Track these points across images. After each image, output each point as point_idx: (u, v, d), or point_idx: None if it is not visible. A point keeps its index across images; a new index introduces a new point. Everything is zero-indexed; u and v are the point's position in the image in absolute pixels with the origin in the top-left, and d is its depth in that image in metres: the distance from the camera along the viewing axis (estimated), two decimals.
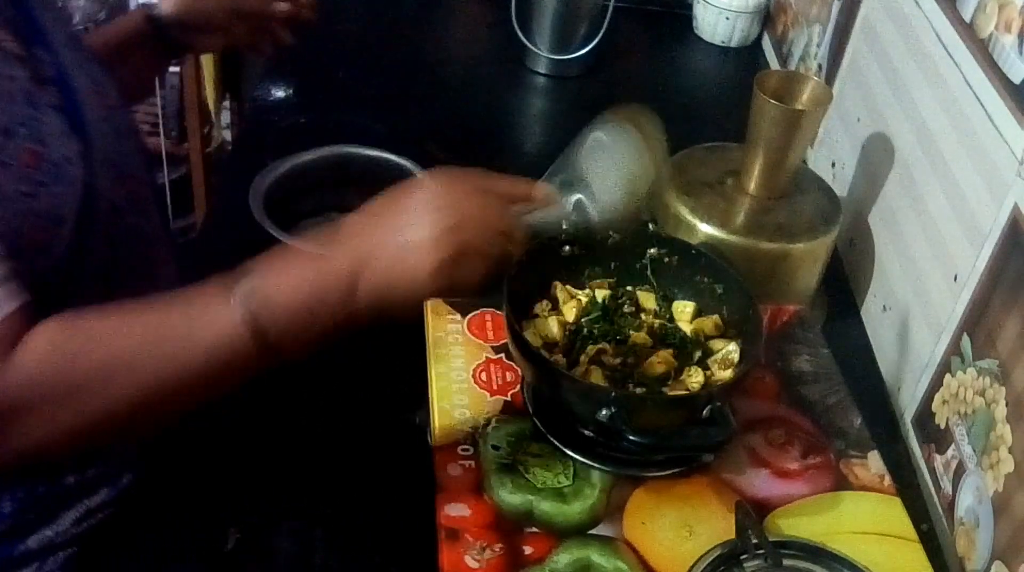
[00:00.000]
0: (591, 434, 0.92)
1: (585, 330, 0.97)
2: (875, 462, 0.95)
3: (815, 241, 1.14)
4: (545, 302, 1.00)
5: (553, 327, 0.96)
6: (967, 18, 1.05)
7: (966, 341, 0.99)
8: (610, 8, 1.65)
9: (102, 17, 2.09)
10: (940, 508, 1.00)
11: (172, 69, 2.00)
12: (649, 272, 1.03)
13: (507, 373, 0.98)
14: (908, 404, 1.11)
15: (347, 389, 1.05)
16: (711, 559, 0.84)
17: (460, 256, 0.76)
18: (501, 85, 1.69)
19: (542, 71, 1.70)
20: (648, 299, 1.01)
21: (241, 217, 1.14)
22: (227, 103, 2.24)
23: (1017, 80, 0.94)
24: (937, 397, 1.04)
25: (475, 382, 0.97)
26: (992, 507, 0.91)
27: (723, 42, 1.84)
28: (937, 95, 1.11)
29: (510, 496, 0.87)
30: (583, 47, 1.67)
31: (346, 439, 1.00)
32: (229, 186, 1.27)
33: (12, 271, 0.75)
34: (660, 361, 0.93)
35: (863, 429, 0.98)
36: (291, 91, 1.57)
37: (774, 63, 1.77)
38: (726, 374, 0.93)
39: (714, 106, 1.71)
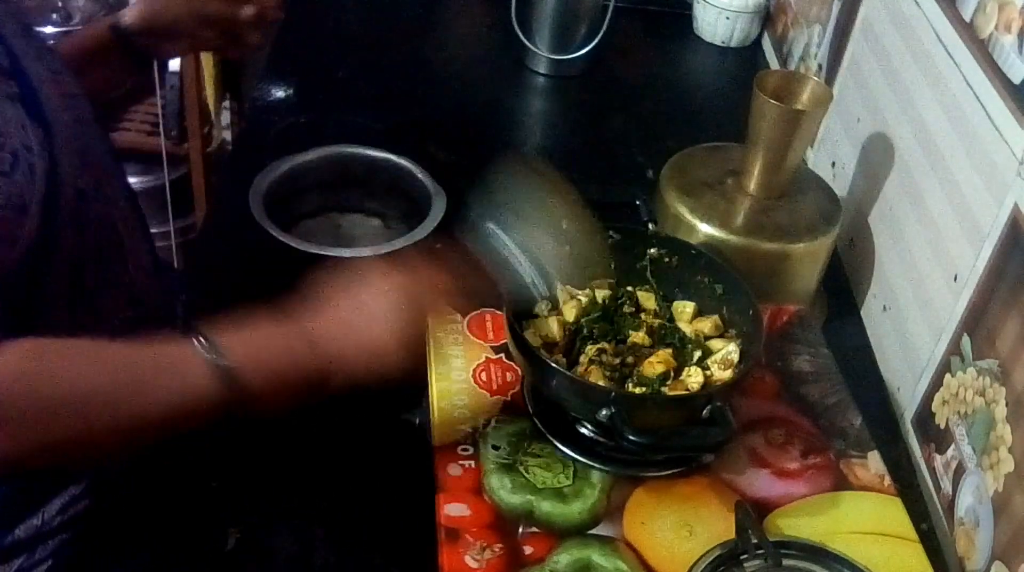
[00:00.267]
0: (591, 434, 0.92)
1: (585, 330, 0.97)
2: (875, 462, 0.95)
3: (815, 241, 1.14)
4: (545, 302, 1.00)
5: (553, 327, 0.96)
6: (967, 18, 1.05)
7: (966, 341, 0.99)
8: (610, 8, 1.65)
9: (102, 17, 2.09)
10: (940, 508, 1.00)
11: (172, 69, 1.99)
12: (649, 272, 1.03)
13: (507, 373, 0.98)
14: (908, 404, 1.11)
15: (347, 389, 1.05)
16: (711, 559, 0.84)
17: (422, 331, 0.80)
18: (501, 85, 1.69)
19: (542, 71, 1.70)
20: (648, 299, 1.01)
21: (241, 217, 1.14)
22: (227, 103, 2.23)
23: (1017, 80, 0.94)
24: (937, 397, 1.04)
25: (475, 382, 0.97)
26: (992, 507, 0.91)
27: (723, 42, 1.84)
28: (937, 95, 1.11)
29: (510, 496, 0.87)
30: (583, 47, 1.67)
31: (346, 439, 1.00)
32: (229, 186, 1.27)
33: None
34: (660, 361, 0.93)
35: (863, 429, 0.98)
36: (291, 91, 1.57)
37: (774, 63, 1.77)
38: (726, 374, 0.93)
39: (714, 106, 1.71)
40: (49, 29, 2.06)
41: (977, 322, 0.98)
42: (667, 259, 1.03)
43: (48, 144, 0.84)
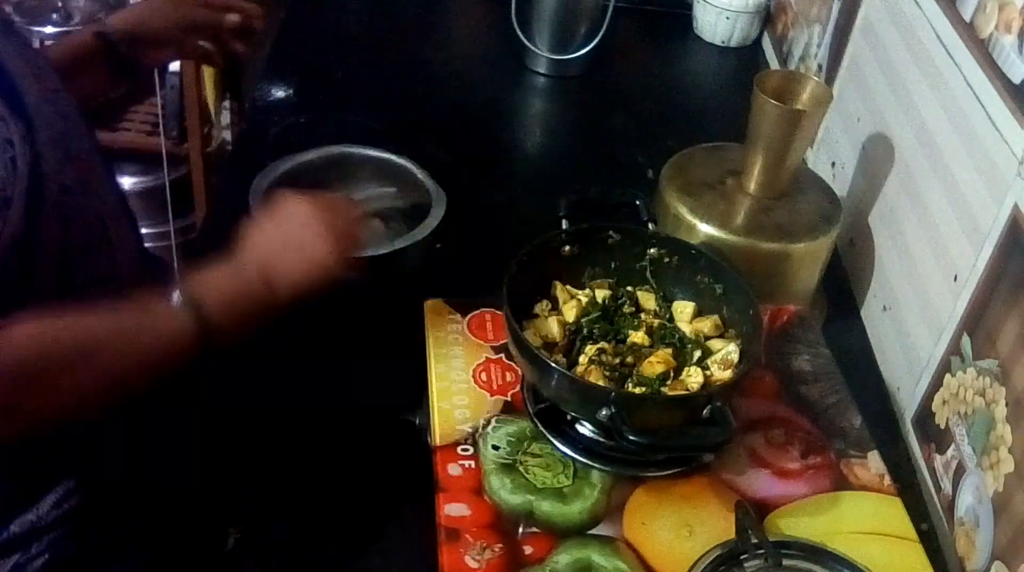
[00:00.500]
0: (591, 434, 0.92)
1: (585, 330, 0.97)
2: (875, 462, 0.95)
3: (815, 241, 1.14)
4: (545, 302, 1.00)
5: (553, 327, 0.96)
6: (967, 18, 1.05)
7: (966, 341, 0.99)
8: (610, 8, 1.65)
9: (102, 17, 2.09)
10: (940, 508, 1.00)
11: (172, 69, 2.00)
12: (649, 272, 1.03)
13: (507, 373, 0.98)
14: (908, 404, 1.11)
15: (347, 389, 1.05)
16: (711, 559, 0.84)
17: (336, 236, 0.94)
18: (501, 85, 1.69)
19: (542, 71, 1.70)
20: (648, 299, 1.01)
21: (241, 217, 1.14)
22: (227, 103, 2.23)
23: (1017, 80, 0.94)
24: (937, 397, 1.04)
25: (475, 382, 0.97)
26: (992, 507, 0.91)
27: (723, 42, 1.84)
28: (937, 95, 1.11)
29: (510, 496, 0.87)
30: (583, 47, 1.67)
31: (346, 439, 1.00)
32: (229, 186, 1.27)
33: None
34: (659, 361, 0.93)
35: (863, 429, 0.98)
36: (291, 91, 1.57)
37: (774, 63, 1.77)
38: (726, 374, 0.93)
39: (714, 106, 1.71)
40: (49, 29, 2.06)
41: (977, 322, 0.98)
42: (667, 259, 1.03)
43: (30, 138, 0.84)
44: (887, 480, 0.94)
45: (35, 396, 0.81)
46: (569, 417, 0.93)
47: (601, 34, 1.66)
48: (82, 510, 0.97)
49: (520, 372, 0.97)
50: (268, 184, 1.16)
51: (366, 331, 1.11)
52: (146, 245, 1.20)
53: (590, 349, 0.94)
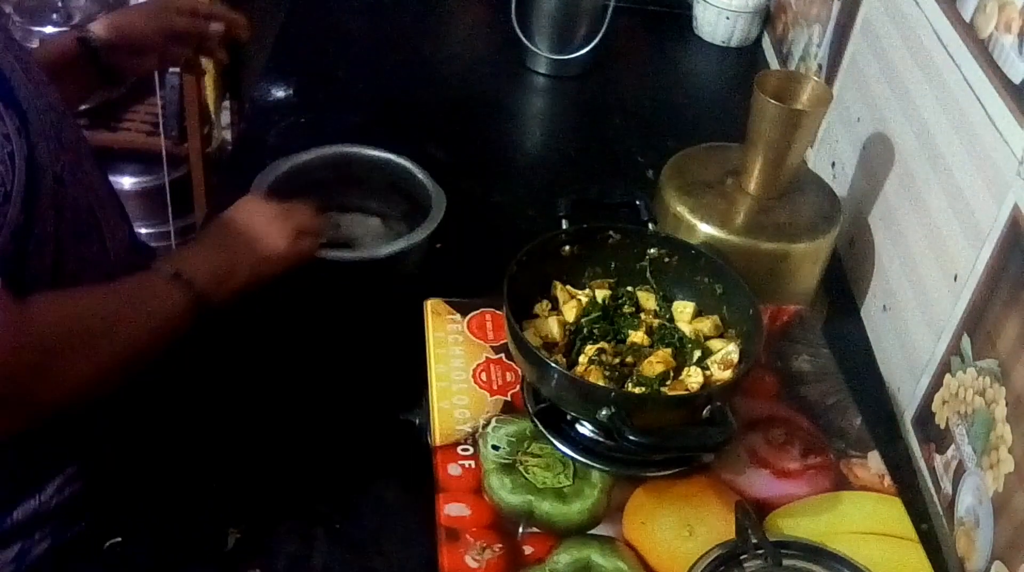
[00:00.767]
0: (591, 434, 0.92)
1: (585, 330, 0.97)
2: (875, 462, 0.95)
3: (815, 241, 1.14)
4: (545, 302, 1.00)
5: (553, 327, 0.96)
6: (967, 18, 1.05)
7: (966, 341, 0.99)
8: (610, 8, 1.65)
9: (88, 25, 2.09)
10: (940, 508, 1.00)
11: (172, 69, 1.99)
12: (649, 272, 1.03)
13: (507, 373, 0.98)
14: (908, 404, 1.11)
15: (347, 389, 1.05)
16: (711, 559, 0.84)
17: (289, 233, 1.02)
18: (501, 85, 1.69)
19: (542, 71, 1.70)
20: (648, 299, 1.01)
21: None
22: (227, 103, 2.23)
23: (1017, 80, 0.94)
24: (937, 397, 1.04)
25: (475, 382, 0.97)
26: (992, 507, 0.91)
27: (723, 42, 1.84)
28: (937, 95, 1.11)
29: (510, 496, 0.87)
30: (583, 47, 1.67)
31: (346, 439, 1.00)
32: (229, 186, 1.27)
33: None
34: (659, 361, 0.93)
35: (863, 429, 0.98)
36: (291, 91, 1.57)
37: (774, 63, 1.77)
38: (726, 374, 0.93)
39: (714, 106, 1.71)
40: (49, 29, 2.06)
41: (977, 322, 0.98)
42: (667, 259, 1.03)
43: (25, 131, 0.85)
44: (887, 480, 0.94)
45: (55, 373, 0.84)
46: (569, 417, 0.93)
47: (601, 34, 1.66)
48: (84, 496, 0.97)
49: (520, 372, 0.97)
50: (268, 184, 1.16)
51: (366, 331, 1.11)
52: (147, 245, 1.21)
53: (590, 349, 0.94)
